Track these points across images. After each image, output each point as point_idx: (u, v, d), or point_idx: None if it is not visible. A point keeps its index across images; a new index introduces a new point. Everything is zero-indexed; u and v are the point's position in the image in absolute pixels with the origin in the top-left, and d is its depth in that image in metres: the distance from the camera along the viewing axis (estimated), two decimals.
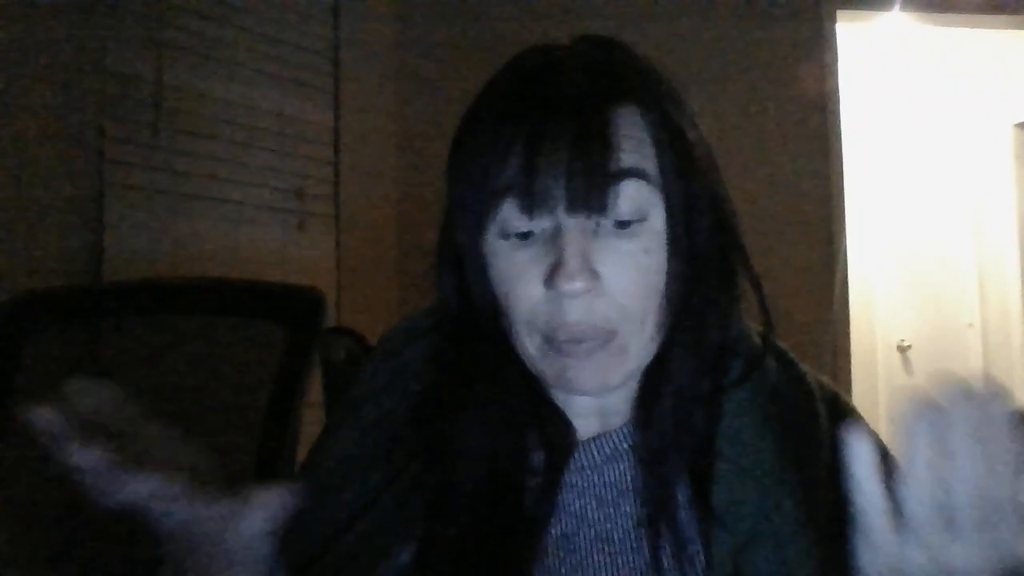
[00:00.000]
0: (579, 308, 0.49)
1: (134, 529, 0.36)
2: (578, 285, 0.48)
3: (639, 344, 0.51)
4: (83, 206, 1.63)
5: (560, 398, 0.56)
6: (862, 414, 0.59)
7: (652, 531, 0.52)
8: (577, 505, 0.55)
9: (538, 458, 0.55)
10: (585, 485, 0.55)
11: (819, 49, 2.56)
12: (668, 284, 0.51)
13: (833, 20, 2.59)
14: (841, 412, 0.58)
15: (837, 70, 2.58)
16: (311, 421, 0.91)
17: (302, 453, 0.74)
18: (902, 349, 4.06)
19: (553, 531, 0.54)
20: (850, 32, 2.73)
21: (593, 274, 0.49)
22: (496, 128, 0.50)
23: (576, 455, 0.55)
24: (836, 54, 2.58)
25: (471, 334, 0.55)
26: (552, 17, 2.36)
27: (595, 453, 0.56)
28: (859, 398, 3.61)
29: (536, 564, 0.52)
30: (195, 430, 1.02)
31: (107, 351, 1.04)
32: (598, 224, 0.49)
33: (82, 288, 1.40)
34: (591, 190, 0.48)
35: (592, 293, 0.49)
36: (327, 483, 0.57)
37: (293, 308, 0.97)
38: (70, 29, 1.60)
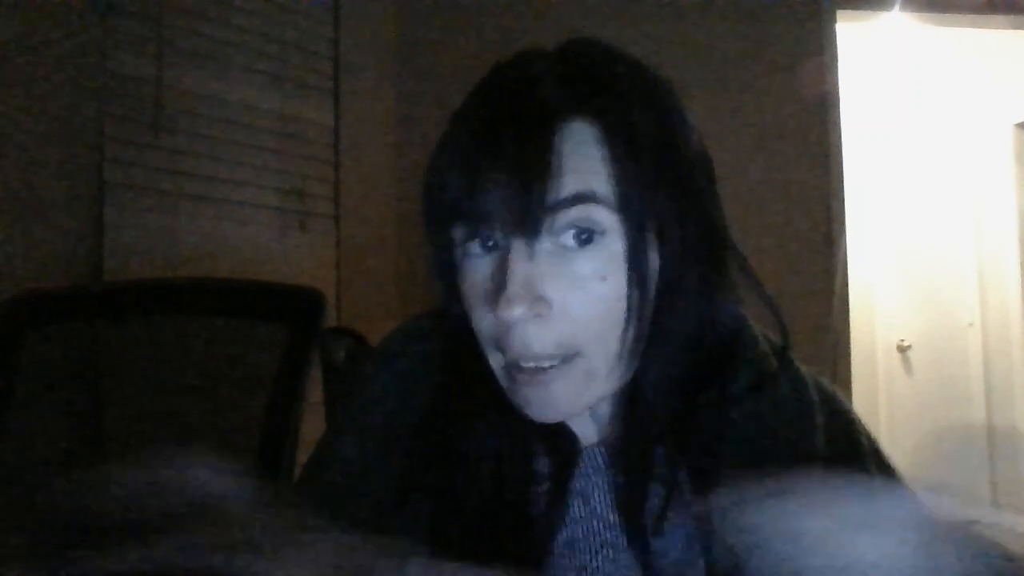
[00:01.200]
0: (525, 334, 0.47)
1: (135, 529, 0.36)
2: (517, 312, 0.46)
3: (607, 366, 0.49)
4: (83, 206, 1.63)
5: None
6: (862, 415, 0.59)
7: (635, 538, 0.52)
8: (583, 511, 0.54)
9: (542, 464, 0.55)
10: (587, 491, 0.55)
11: (819, 49, 2.56)
12: (630, 309, 0.49)
13: (833, 20, 2.59)
14: (838, 417, 0.57)
15: (837, 70, 2.58)
16: (311, 421, 0.91)
17: (302, 453, 0.74)
18: (902, 349, 4.06)
19: (557, 536, 0.53)
20: (850, 32, 2.73)
21: (538, 300, 0.46)
22: (451, 147, 0.49)
23: (579, 461, 0.55)
24: (836, 54, 2.58)
25: (469, 340, 0.54)
26: (551, 17, 2.36)
27: (598, 459, 0.55)
28: (859, 398, 3.62)
29: (541, 570, 0.52)
30: (195, 430, 1.02)
31: (107, 351, 1.04)
32: (545, 244, 0.47)
33: (82, 288, 1.40)
34: (528, 213, 0.46)
35: (540, 319, 0.47)
36: (332, 489, 0.56)
37: (293, 308, 0.97)
38: (70, 29, 1.60)
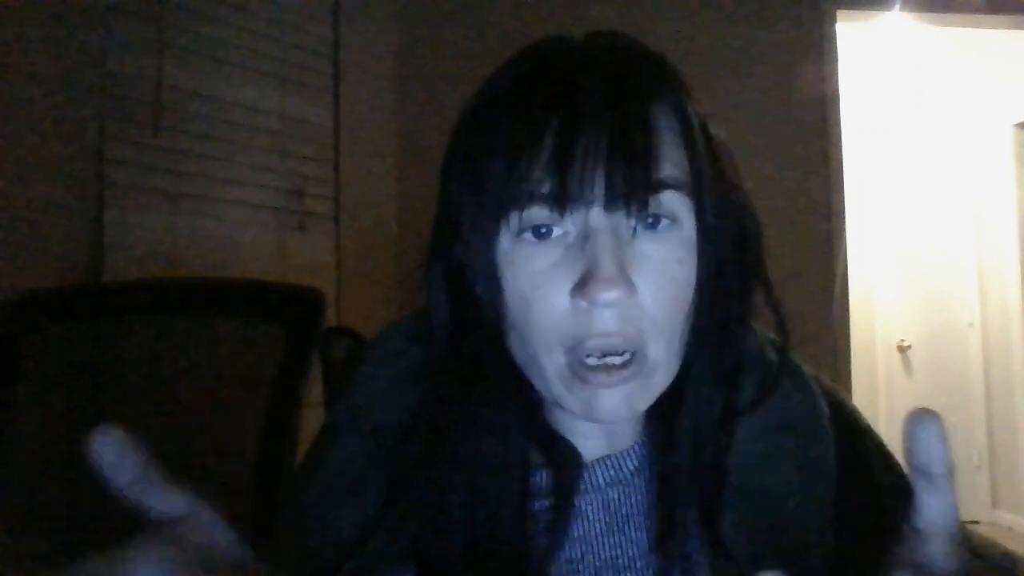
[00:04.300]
0: (611, 318, 0.45)
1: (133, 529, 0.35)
2: (614, 294, 0.43)
3: (666, 363, 0.48)
4: (83, 206, 1.63)
5: (563, 420, 0.53)
6: (862, 416, 0.59)
7: (663, 556, 0.50)
8: (582, 529, 0.52)
9: (541, 479, 0.52)
10: (590, 509, 0.53)
11: (819, 49, 2.56)
12: (696, 297, 0.48)
13: (833, 20, 2.59)
14: (846, 423, 0.56)
15: (837, 70, 2.58)
16: (311, 421, 0.91)
17: (302, 453, 0.74)
18: (902, 349, 4.06)
19: (559, 556, 0.52)
20: (850, 32, 2.73)
21: (629, 282, 0.44)
22: (520, 118, 0.46)
23: (582, 478, 0.53)
24: (836, 54, 2.58)
25: (465, 347, 0.51)
26: (552, 17, 2.37)
27: (600, 476, 0.53)
28: (859, 398, 3.61)
29: None
30: (195, 430, 1.02)
31: (107, 351, 1.04)
32: (633, 227, 0.45)
33: (82, 288, 1.40)
34: (631, 191, 0.44)
35: (624, 305, 0.45)
36: (326, 497, 0.54)
37: (293, 308, 0.97)
38: (70, 29, 1.60)
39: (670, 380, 0.49)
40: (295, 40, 2.10)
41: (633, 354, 0.46)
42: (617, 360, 0.46)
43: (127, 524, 0.32)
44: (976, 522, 3.75)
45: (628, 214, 0.45)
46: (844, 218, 2.58)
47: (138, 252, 1.71)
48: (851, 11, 2.63)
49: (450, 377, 0.52)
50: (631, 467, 0.54)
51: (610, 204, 0.45)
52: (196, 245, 1.83)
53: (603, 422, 0.49)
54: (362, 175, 2.25)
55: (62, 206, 1.59)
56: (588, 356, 0.46)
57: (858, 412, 0.58)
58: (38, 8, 1.55)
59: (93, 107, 1.65)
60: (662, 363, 0.48)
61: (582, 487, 0.53)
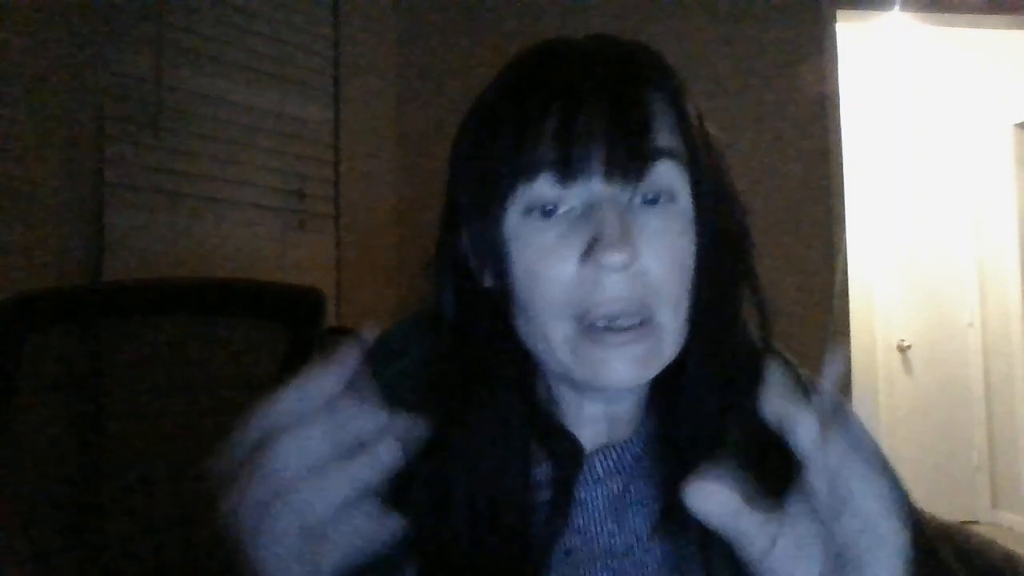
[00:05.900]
0: (618, 284, 0.47)
1: (132, 528, 0.35)
2: (619, 256, 0.45)
3: (675, 330, 0.49)
4: (83, 206, 1.63)
5: (568, 407, 0.54)
6: (862, 415, 0.59)
7: (664, 544, 0.51)
8: (582, 520, 0.53)
9: (541, 472, 0.53)
10: (589, 499, 0.54)
11: (819, 49, 2.56)
12: (697, 270, 0.50)
13: (833, 20, 2.59)
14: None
15: (837, 70, 2.58)
16: None
17: None
18: (902, 349, 4.06)
19: (557, 546, 0.52)
20: (850, 32, 2.74)
21: (634, 246, 0.46)
22: (527, 102, 0.49)
23: (582, 470, 0.54)
24: (836, 54, 2.58)
25: (469, 341, 0.52)
26: (553, 17, 2.36)
27: (599, 466, 0.54)
28: (859, 398, 3.62)
29: None
30: (195, 430, 1.02)
31: (107, 351, 1.04)
32: (631, 199, 0.48)
33: (82, 288, 1.40)
34: (630, 158, 0.47)
35: (631, 270, 0.47)
36: None
37: (293, 308, 0.97)
38: (70, 29, 1.60)
39: (675, 352, 0.50)
40: (295, 40, 2.10)
41: (642, 321, 0.48)
42: (626, 323, 0.48)
43: (127, 522, 0.32)
44: (976, 522, 3.75)
45: (627, 183, 0.47)
46: (844, 218, 2.58)
47: (138, 252, 1.71)
48: (851, 11, 2.63)
49: (454, 371, 0.53)
50: (632, 456, 0.55)
51: (610, 174, 0.47)
52: (196, 245, 1.83)
53: (611, 388, 0.50)
54: (362, 175, 2.25)
55: (62, 206, 1.59)
56: (597, 321, 0.48)
57: (856, 420, 0.59)
58: (38, 8, 1.55)
59: (93, 107, 1.65)
60: (671, 329, 0.49)
61: (583, 478, 0.54)
